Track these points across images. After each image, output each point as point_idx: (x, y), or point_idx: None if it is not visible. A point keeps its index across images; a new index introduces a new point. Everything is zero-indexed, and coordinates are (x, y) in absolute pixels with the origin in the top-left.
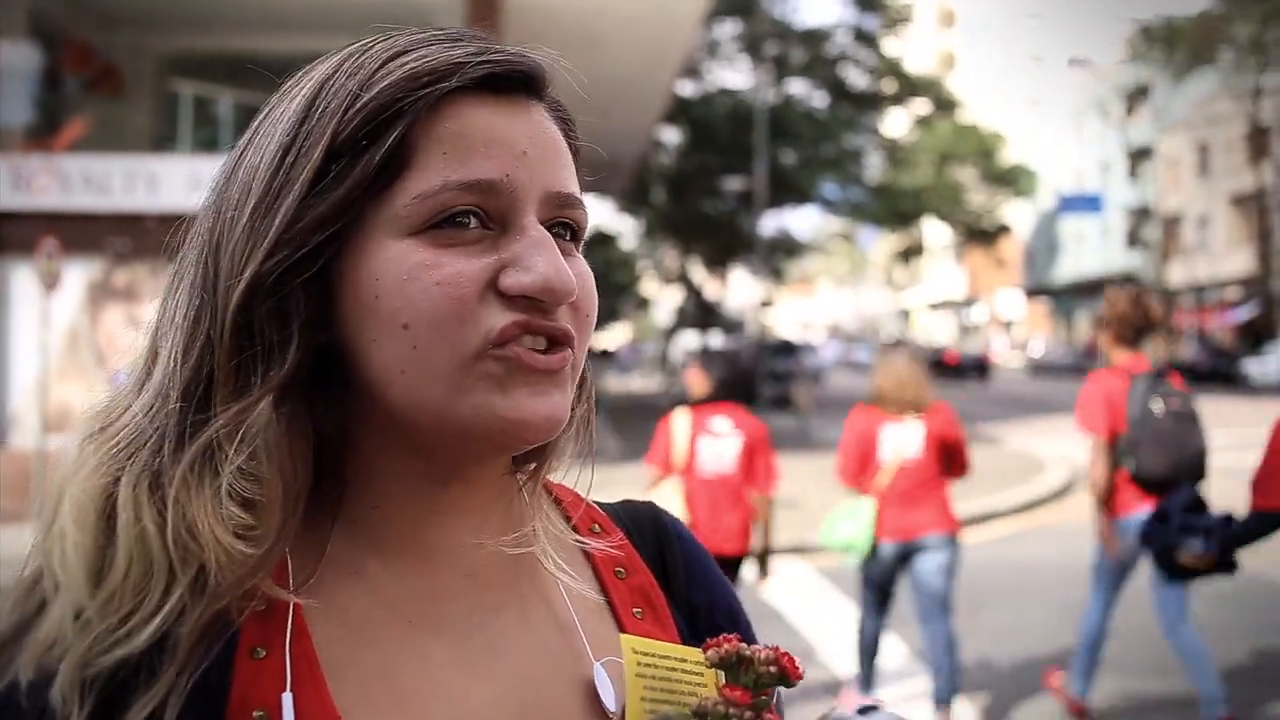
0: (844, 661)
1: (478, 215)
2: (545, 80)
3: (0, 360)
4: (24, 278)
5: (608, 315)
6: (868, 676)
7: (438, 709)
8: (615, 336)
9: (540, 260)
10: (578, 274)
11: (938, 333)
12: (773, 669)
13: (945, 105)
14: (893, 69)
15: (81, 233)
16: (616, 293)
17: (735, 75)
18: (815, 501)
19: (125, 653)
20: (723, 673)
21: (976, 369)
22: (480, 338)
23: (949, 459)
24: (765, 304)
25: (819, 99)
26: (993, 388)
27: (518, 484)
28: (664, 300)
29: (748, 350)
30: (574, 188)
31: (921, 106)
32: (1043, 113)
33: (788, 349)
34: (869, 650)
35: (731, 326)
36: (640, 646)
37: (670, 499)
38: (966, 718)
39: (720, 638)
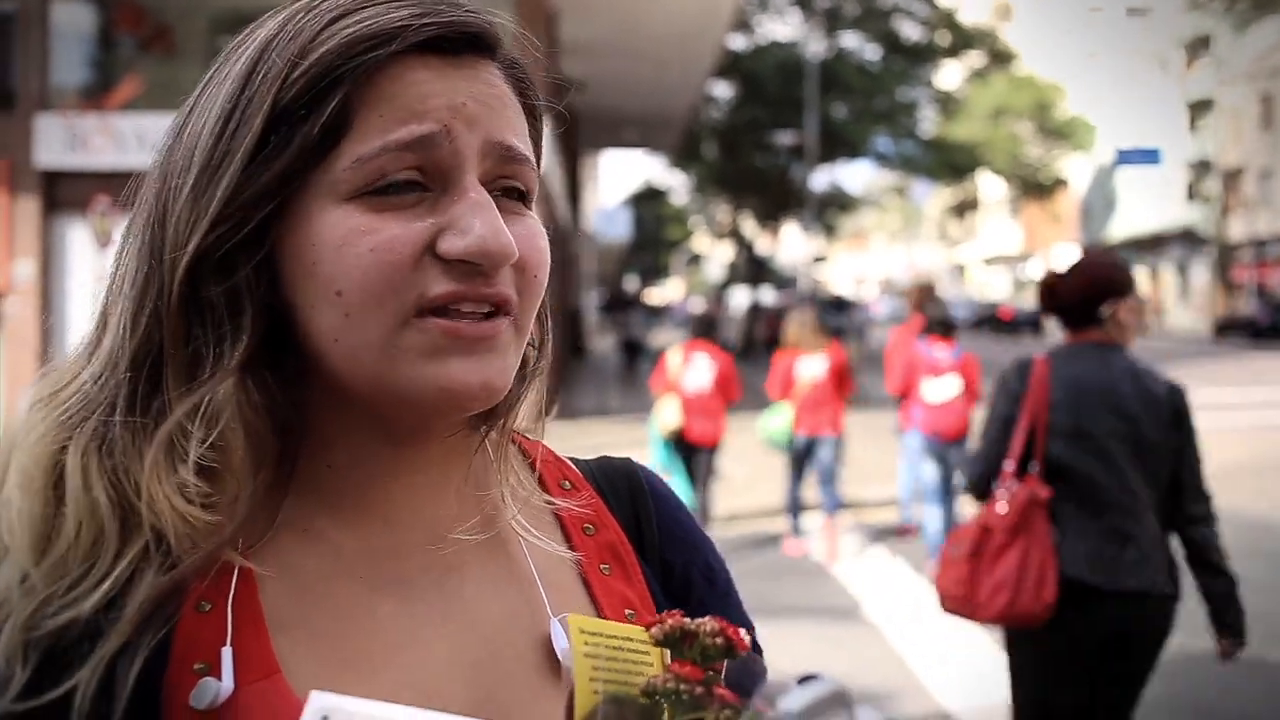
0: (891, 618)
1: (417, 180)
2: (495, 40)
3: (56, 317)
4: (79, 235)
5: (659, 271)
6: (796, 525)
7: (388, 664)
8: (667, 292)
9: (477, 222)
10: (525, 234)
11: (992, 288)
12: (718, 640)
13: (1000, 58)
14: (947, 21)
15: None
16: (668, 248)
17: (786, 28)
18: (865, 459)
19: (71, 616)
20: (668, 650)
21: (1030, 324)
22: (412, 304)
23: (841, 382)
24: (818, 259)
25: (871, 52)
26: (1047, 343)
27: (478, 441)
28: (716, 256)
29: (800, 306)
30: (518, 142)
31: (976, 59)
32: (1101, 64)
33: (840, 305)
34: (794, 507)
35: (783, 282)
36: (588, 626)
37: (668, 408)
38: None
39: (663, 614)
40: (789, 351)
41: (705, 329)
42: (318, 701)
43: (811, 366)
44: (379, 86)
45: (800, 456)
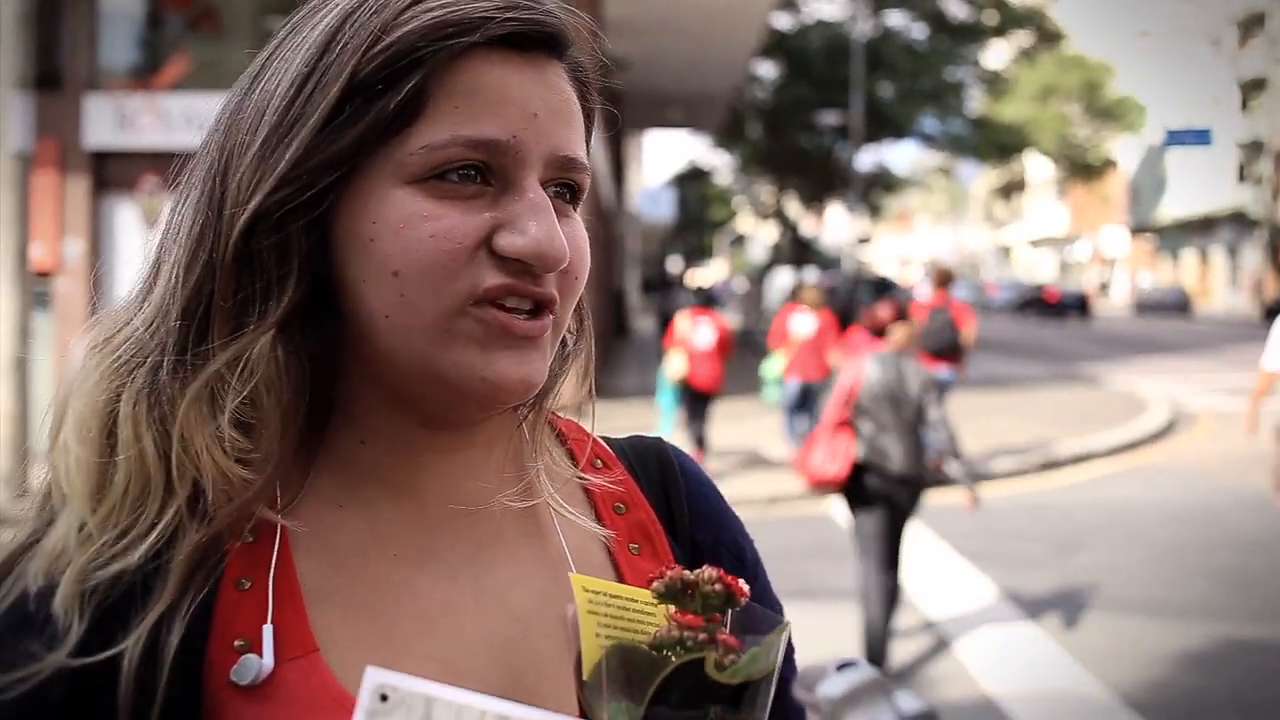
0: (931, 601)
1: (479, 170)
2: (568, 41)
3: (105, 296)
4: (127, 215)
5: (703, 251)
6: (792, 436)
7: (420, 641)
8: (711, 273)
9: (534, 225)
10: (571, 236)
11: (1039, 270)
12: (717, 587)
13: (1049, 37)
14: (995, 0)
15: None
16: (712, 229)
17: (832, 7)
18: None
19: (121, 567)
20: (672, 605)
21: (1077, 307)
22: (466, 292)
23: (831, 336)
24: (862, 240)
25: (918, 31)
26: (1094, 326)
27: (517, 422)
28: (760, 237)
29: (844, 287)
30: (579, 151)
31: (1024, 38)
32: (1152, 43)
33: (884, 286)
34: (794, 437)
35: (827, 263)
36: (591, 585)
37: (676, 361)
38: (1053, 655)
39: (663, 569)
40: (790, 307)
41: (707, 300)
42: (375, 678)
43: (804, 323)
44: (456, 76)
45: (796, 399)
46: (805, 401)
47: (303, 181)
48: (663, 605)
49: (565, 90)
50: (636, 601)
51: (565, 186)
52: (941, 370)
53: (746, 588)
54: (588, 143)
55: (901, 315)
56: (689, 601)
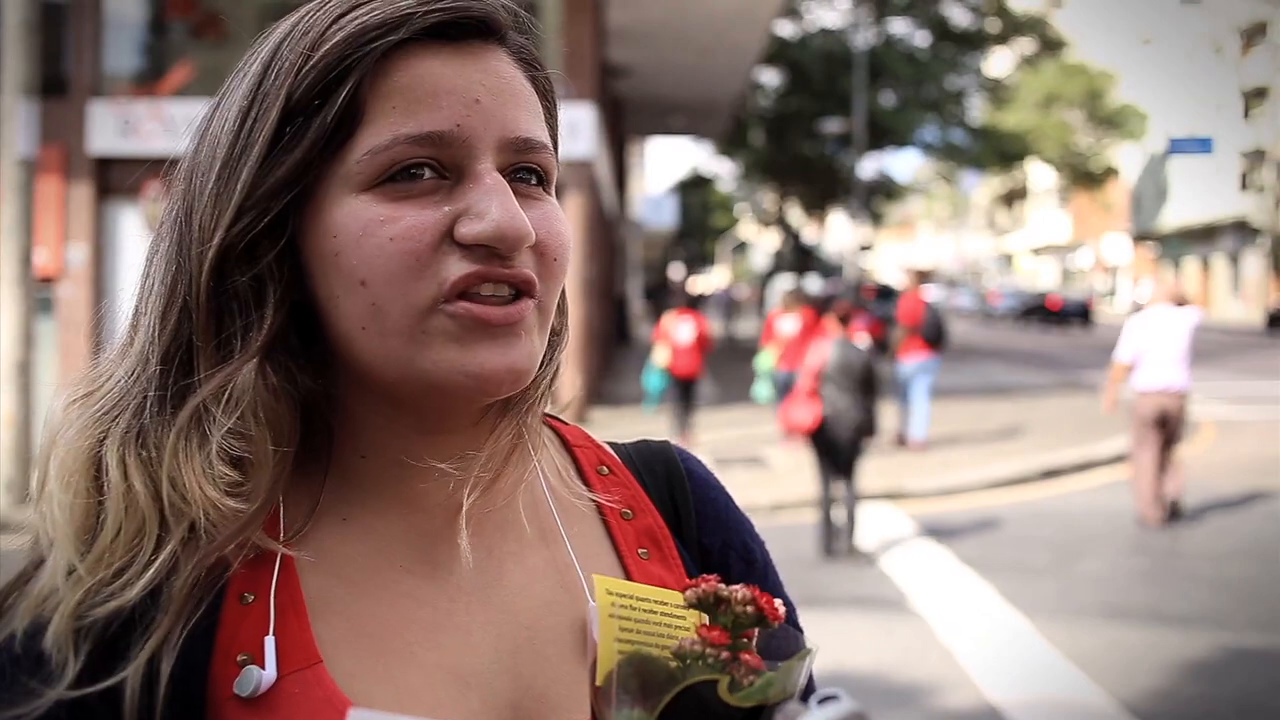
0: (938, 609)
1: (432, 166)
2: (502, 24)
3: (108, 301)
4: (131, 221)
5: (705, 258)
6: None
7: (427, 650)
8: (713, 280)
9: (493, 207)
10: (543, 218)
11: (1040, 277)
12: (749, 609)
13: (1051, 45)
14: (997, 7)
15: None
16: (714, 236)
17: (835, 15)
18: (927, 452)
19: (119, 604)
20: (703, 614)
21: (1079, 315)
22: (435, 290)
23: (813, 331)
24: (864, 247)
25: (920, 39)
26: (1096, 334)
27: (515, 429)
28: (762, 243)
29: (845, 294)
30: (536, 131)
31: (1026, 46)
32: (1154, 51)
33: (886, 293)
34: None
35: (829, 270)
36: (615, 588)
37: (662, 351)
38: (1056, 663)
39: (699, 578)
40: (776, 313)
41: (691, 302)
42: (354, 717)
43: (787, 324)
44: (390, 77)
45: (785, 386)
46: (786, 388)
47: (259, 209)
48: (693, 612)
49: (509, 73)
50: (666, 604)
51: (529, 171)
52: (927, 356)
53: (782, 610)
54: (553, 124)
55: (854, 310)
56: (720, 616)
